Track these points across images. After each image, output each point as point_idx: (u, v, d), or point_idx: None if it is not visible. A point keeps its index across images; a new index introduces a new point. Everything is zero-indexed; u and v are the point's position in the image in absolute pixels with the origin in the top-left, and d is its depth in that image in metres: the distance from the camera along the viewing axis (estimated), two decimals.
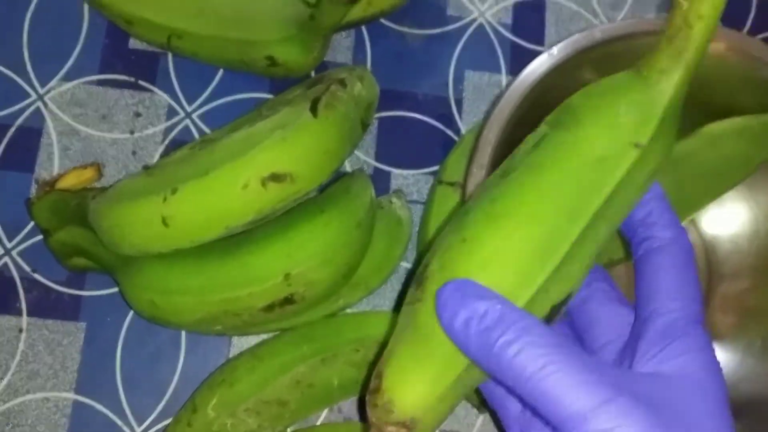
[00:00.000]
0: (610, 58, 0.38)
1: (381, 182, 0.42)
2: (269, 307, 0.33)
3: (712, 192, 0.39)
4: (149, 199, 0.31)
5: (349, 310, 0.40)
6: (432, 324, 0.23)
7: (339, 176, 0.37)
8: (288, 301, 0.33)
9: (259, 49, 0.36)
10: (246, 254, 0.33)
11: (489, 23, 0.45)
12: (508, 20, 0.46)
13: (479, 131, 0.36)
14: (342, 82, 0.36)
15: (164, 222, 0.31)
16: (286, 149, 0.31)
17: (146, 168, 0.41)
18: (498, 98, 0.36)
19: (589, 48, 0.38)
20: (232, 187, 0.31)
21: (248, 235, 0.33)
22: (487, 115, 0.37)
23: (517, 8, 0.46)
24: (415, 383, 0.23)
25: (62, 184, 0.37)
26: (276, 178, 0.31)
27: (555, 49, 0.37)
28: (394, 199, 0.40)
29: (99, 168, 0.38)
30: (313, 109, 0.32)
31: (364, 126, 0.38)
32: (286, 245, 0.33)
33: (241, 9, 0.36)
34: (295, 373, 0.34)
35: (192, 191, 0.31)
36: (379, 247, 0.38)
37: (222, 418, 0.34)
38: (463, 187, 0.35)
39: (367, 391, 0.24)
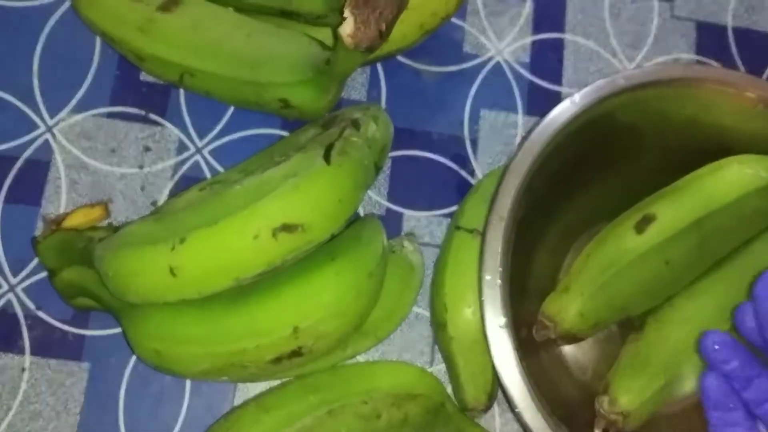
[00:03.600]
0: (632, 105, 0.38)
1: (393, 223, 0.42)
2: (277, 360, 0.32)
3: (734, 243, 0.38)
4: (157, 248, 0.31)
5: (358, 358, 0.39)
6: (645, 352, 0.37)
7: (351, 220, 0.36)
8: (296, 354, 0.32)
9: (272, 91, 0.35)
10: (254, 305, 0.32)
11: (506, 62, 0.45)
12: (526, 59, 0.45)
13: (499, 180, 0.35)
14: (356, 123, 0.35)
15: (172, 272, 0.30)
16: (299, 199, 0.30)
17: (155, 205, 0.40)
18: (519, 146, 0.36)
19: (612, 94, 0.37)
20: (242, 238, 0.30)
21: (256, 285, 0.32)
22: (508, 163, 0.36)
23: (535, 47, 0.45)
24: (631, 389, 0.36)
25: (69, 223, 0.36)
26: (288, 228, 0.30)
27: (577, 96, 0.37)
28: (406, 243, 0.39)
29: (107, 207, 0.37)
30: (327, 157, 0.32)
31: (378, 169, 0.37)
32: (295, 297, 0.32)
33: (256, 51, 0.35)
34: (302, 426, 0.34)
35: (201, 241, 0.30)
36: (390, 295, 0.37)
37: None
38: (483, 236, 0.35)
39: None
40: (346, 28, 0.29)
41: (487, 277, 0.34)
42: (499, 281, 0.34)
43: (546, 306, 0.37)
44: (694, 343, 0.35)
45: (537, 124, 0.36)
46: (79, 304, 0.37)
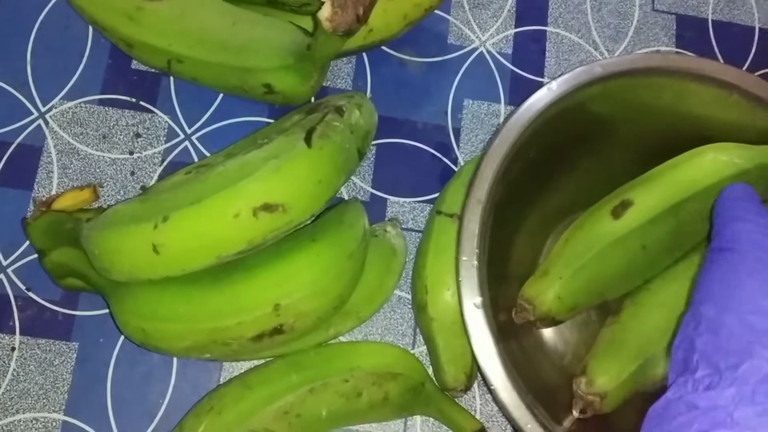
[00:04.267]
0: (609, 93, 0.39)
1: (377, 209, 0.42)
2: (258, 337, 0.33)
3: (705, 228, 0.39)
4: (140, 227, 0.31)
5: (341, 338, 0.40)
6: (622, 335, 0.38)
7: (334, 204, 0.37)
8: (277, 331, 0.33)
9: (257, 76, 0.36)
10: (236, 283, 0.33)
11: (489, 53, 0.46)
12: (509, 50, 0.46)
13: (477, 165, 0.36)
14: (340, 110, 0.36)
15: (155, 249, 0.31)
16: (279, 179, 0.31)
17: (143, 189, 0.41)
18: (496, 132, 0.37)
19: (589, 83, 0.38)
20: (223, 217, 0.31)
21: (239, 263, 0.33)
22: (486, 148, 0.37)
23: (517, 38, 0.46)
24: (608, 370, 0.37)
25: (59, 204, 0.37)
26: (268, 208, 0.31)
27: (554, 84, 0.37)
28: (389, 228, 0.40)
29: (96, 189, 0.38)
30: (308, 139, 0.32)
31: (361, 154, 0.38)
32: (276, 275, 0.33)
33: (240, 37, 0.36)
34: (284, 404, 0.34)
35: (183, 219, 0.31)
36: (372, 277, 0.38)
37: None
38: (461, 218, 0.36)
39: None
40: (324, 12, 0.30)
41: (464, 258, 0.34)
42: (475, 262, 0.34)
43: (525, 289, 0.38)
44: (669, 326, 0.37)
45: (515, 110, 0.37)
46: (67, 284, 0.38)
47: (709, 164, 0.37)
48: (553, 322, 0.38)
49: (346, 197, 0.43)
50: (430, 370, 0.39)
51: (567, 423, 0.38)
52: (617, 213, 0.37)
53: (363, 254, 0.36)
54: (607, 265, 0.37)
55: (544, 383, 0.40)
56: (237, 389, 0.36)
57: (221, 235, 0.31)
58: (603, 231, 0.37)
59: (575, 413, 0.38)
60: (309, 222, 0.35)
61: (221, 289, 0.33)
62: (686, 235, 0.38)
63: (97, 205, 0.40)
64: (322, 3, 0.30)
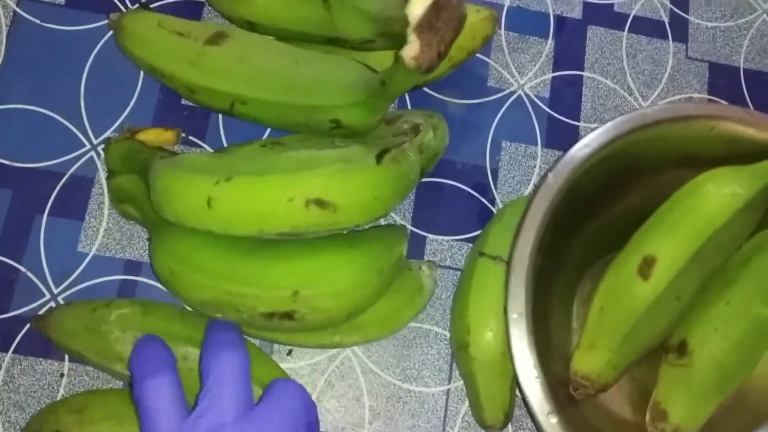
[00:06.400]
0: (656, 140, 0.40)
1: (416, 246, 0.44)
2: (269, 315, 0.34)
3: (728, 254, 0.40)
4: (204, 178, 0.33)
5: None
6: (688, 374, 0.39)
7: (380, 224, 0.38)
8: (288, 316, 0.34)
9: (325, 113, 0.37)
10: (267, 259, 0.34)
11: (527, 96, 0.47)
12: (546, 94, 0.47)
13: (525, 211, 0.37)
14: (416, 129, 0.38)
15: (209, 203, 0.32)
16: (339, 182, 0.33)
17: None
18: (542, 179, 0.38)
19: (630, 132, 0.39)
20: (279, 196, 0.32)
21: (276, 244, 0.34)
22: (534, 192, 0.38)
23: (554, 82, 0.47)
24: (591, 360, 0.38)
25: (142, 136, 0.40)
26: (320, 203, 0.32)
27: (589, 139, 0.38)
28: (425, 267, 0.41)
29: (179, 134, 0.42)
30: (379, 157, 0.34)
31: (423, 173, 0.39)
32: (305, 265, 0.34)
33: (304, 75, 0.37)
34: None
35: (243, 185, 0.33)
36: (391, 303, 0.39)
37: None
38: (508, 264, 0.36)
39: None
40: (410, 51, 0.30)
41: (514, 316, 0.35)
42: (524, 324, 0.35)
43: (576, 365, 0.38)
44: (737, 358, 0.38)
45: (562, 156, 0.38)
46: (123, 210, 0.41)
47: (716, 202, 0.38)
48: (608, 387, 0.39)
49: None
50: (465, 404, 0.40)
51: None
52: (644, 273, 0.37)
53: (391, 276, 0.37)
54: (650, 324, 0.38)
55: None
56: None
57: (270, 212, 0.32)
58: (637, 295, 0.37)
59: None
60: (353, 230, 0.36)
61: (252, 259, 0.34)
62: (711, 266, 0.39)
63: (171, 151, 0.41)
64: (406, 41, 0.30)
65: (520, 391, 0.35)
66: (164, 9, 0.46)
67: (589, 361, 0.38)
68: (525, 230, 0.36)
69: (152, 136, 0.41)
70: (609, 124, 0.39)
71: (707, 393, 0.38)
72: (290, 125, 0.39)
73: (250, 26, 0.42)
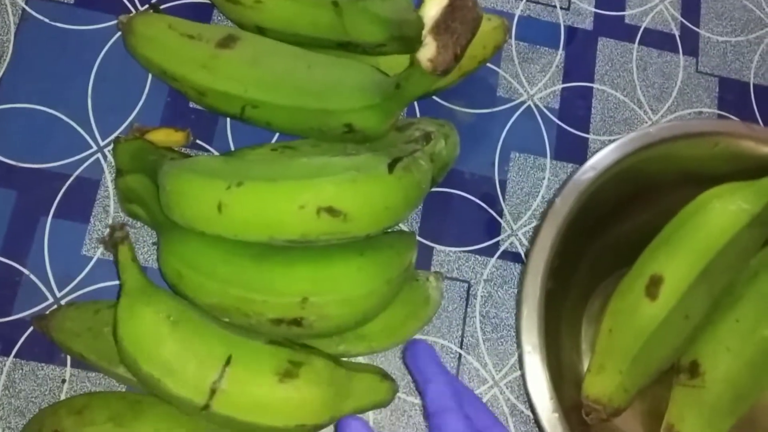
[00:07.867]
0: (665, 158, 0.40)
1: (423, 257, 0.43)
2: (277, 321, 0.34)
3: (736, 270, 0.40)
4: (215, 182, 0.33)
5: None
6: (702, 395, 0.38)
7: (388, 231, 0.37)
8: (296, 323, 0.34)
9: (338, 117, 0.37)
10: (277, 265, 0.34)
11: (537, 106, 0.47)
12: (556, 105, 0.47)
13: (533, 238, 0.37)
14: (428, 137, 0.37)
15: (219, 208, 0.32)
16: (351, 191, 0.32)
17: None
18: (549, 205, 0.37)
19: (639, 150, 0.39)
20: (290, 203, 0.32)
21: (286, 251, 0.34)
22: (542, 219, 0.37)
23: (564, 94, 0.47)
24: (601, 383, 0.38)
25: (152, 136, 0.40)
26: (332, 211, 0.32)
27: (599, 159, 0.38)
28: (432, 279, 0.41)
29: (189, 135, 0.41)
30: (391, 166, 0.34)
31: (434, 182, 0.39)
32: (315, 272, 0.34)
33: (317, 79, 0.37)
34: None
35: (255, 191, 0.32)
36: (397, 314, 0.39)
37: None
38: (519, 295, 0.36)
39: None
40: (427, 53, 0.30)
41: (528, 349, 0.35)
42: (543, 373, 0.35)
43: (587, 389, 0.38)
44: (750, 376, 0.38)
45: (576, 170, 0.38)
46: (131, 210, 0.40)
47: (722, 218, 0.38)
48: (621, 411, 0.38)
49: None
50: None
51: None
52: (652, 293, 0.37)
53: (400, 285, 0.37)
54: (660, 345, 0.38)
55: None
56: None
57: (281, 219, 0.32)
58: (645, 316, 0.37)
59: None
60: (363, 239, 0.35)
61: (262, 265, 0.34)
62: (720, 284, 0.39)
63: (181, 152, 0.41)
64: (423, 43, 0.30)
65: (537, 424, 0.35)
66: (174, 11, 0.45)
67: (599, 384, 0.37)
68: (534, 258, 0.36)
69: (162, 136, 0.41)
70: (613, 144, 0.39)
71: (721, 413, 0.38)
72: (302, 130, 0.38)
73: (261, 31, 0.41)
